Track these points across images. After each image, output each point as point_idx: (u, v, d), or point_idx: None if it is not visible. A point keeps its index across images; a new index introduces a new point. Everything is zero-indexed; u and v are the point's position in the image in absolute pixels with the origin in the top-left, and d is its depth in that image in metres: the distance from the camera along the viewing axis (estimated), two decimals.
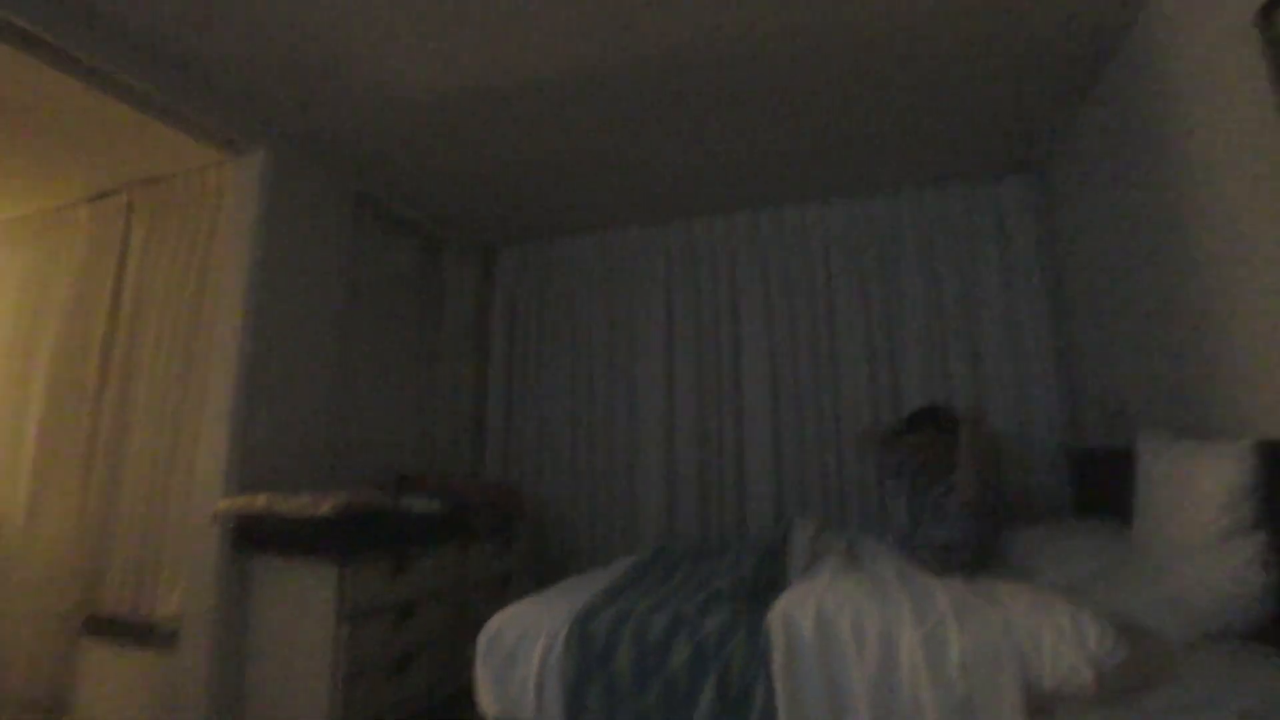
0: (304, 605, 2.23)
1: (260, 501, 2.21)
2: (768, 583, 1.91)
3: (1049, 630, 1.34)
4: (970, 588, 1.62)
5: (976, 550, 2.00)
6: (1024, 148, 2.87)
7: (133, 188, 3.10)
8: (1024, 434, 2.86)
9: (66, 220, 3.31)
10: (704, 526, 3.24)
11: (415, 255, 3.55)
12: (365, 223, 3.15)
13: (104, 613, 2.68)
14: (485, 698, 1.74)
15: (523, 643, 1.74)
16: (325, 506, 2.11)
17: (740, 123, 2.65)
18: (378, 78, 2.30)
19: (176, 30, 2.07)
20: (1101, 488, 2.35)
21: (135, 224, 3.08)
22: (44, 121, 2.56)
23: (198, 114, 2.35)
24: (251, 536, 2.30)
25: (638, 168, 3.03)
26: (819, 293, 3.29)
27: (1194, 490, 1.47)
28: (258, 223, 2.52)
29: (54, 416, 3.04)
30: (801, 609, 1.54)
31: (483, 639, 1.81)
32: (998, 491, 2.26)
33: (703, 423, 3.36)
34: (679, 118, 2.61)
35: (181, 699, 2.30)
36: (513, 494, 3.20)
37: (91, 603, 2.78)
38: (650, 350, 3.50)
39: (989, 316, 3.02)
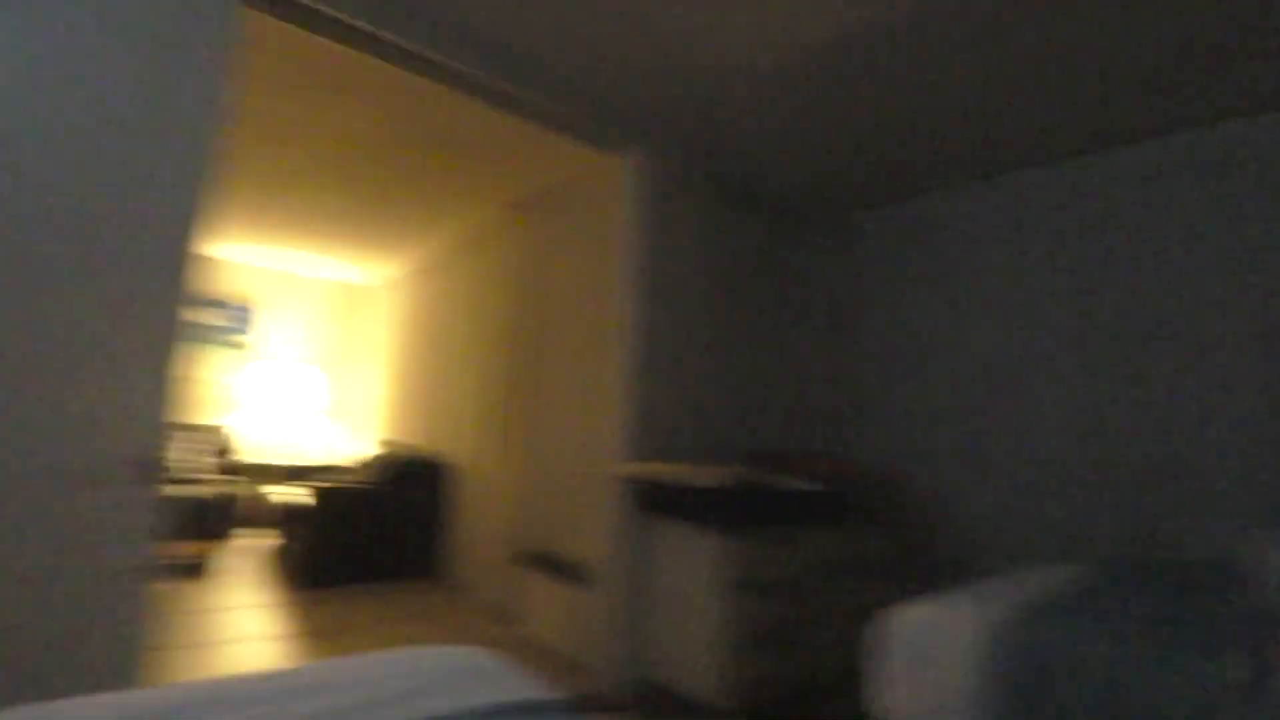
0: (696, 569, 2.41)
1: (658, 469, 2.46)
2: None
3: None
4: None
5: None
6: None
7: (534, 196, 3.71)
8: None
9: (497, 230, 4.13)
10: (1127, 530, 2.65)
11: (772, 231, 3.58)
12: (724, 203, 3.27)
13: (536, 547, 3.32)
14: (884, 693, 1.66)
15: (931, 647, 1.60)
16: (718, 479, 2.25)
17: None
18: (723, 55, 2.30)
19: (556, 52, 2.35)
20: None
21: (541, 225, 3.69)
22: (471, 149, 3.17)
23: (584, 123, 2.66)
24: (651, 499, 2.57)
25: (1028, 91, 2.54)
26: None
27: None
28: (638, 215, 2.78)
29: (499, 389, 3.84)
30: None
31: (881, 631, 1.73)
32: None
33: (1128, 405, 2.73)
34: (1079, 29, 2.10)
35: (598, 632, 2.71)
36: (891, 478, 3.04)
37: (525, 539, 3.46)
38: (1051, 314, 2.94)
39: None
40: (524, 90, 2.44)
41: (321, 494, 3.92)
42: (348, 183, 3.68)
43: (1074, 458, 2.80)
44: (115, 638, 1.58)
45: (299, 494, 4.18)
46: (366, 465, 4.75)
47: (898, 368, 3.50)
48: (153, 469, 1.61)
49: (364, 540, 4.02)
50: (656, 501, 2.54)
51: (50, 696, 1.43)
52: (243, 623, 3.19)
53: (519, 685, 1.06)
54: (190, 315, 1.70)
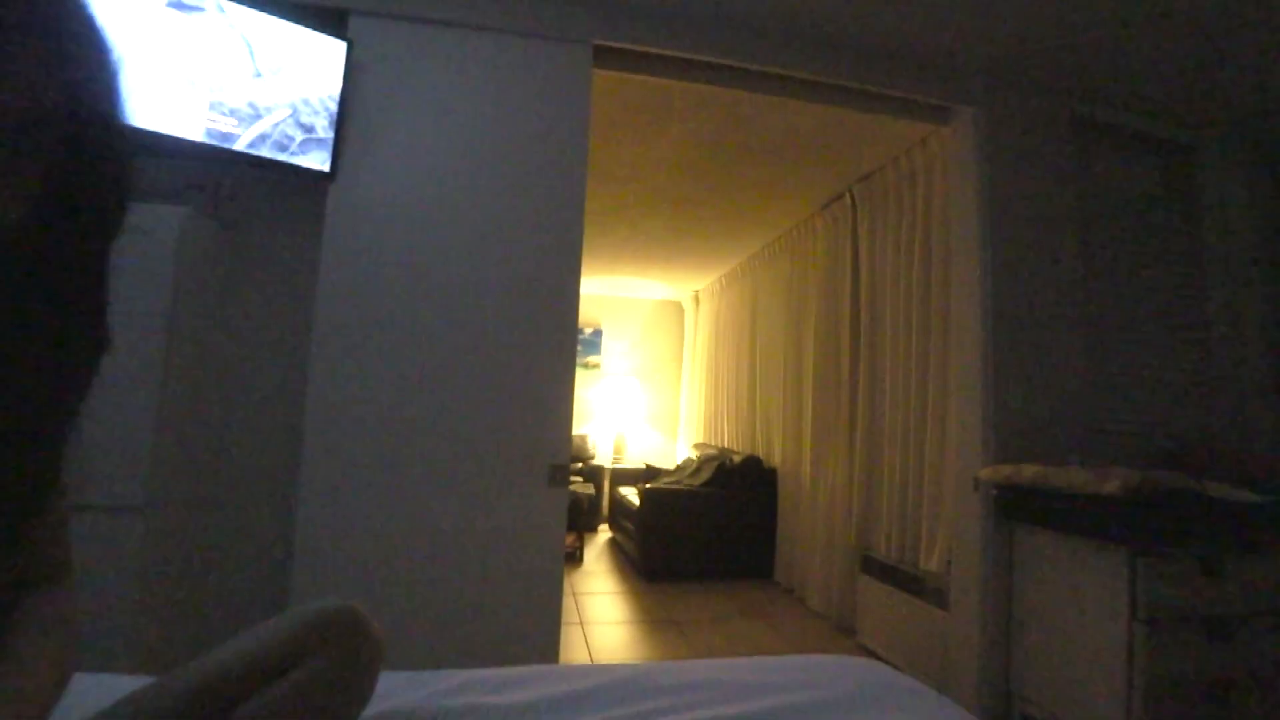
0: (1082, 591, 1.98)
1: (1028, 472, 2.08)
2: None
3: None
4: None
5: None
6: None
7: (854, 187, 3.52)
8: None
9: (810, 229, 4.05)
10: None
11: (1160, 173, 2.82)
12: (1091, 150, 2.67)
13: (877, 556, 3.10)
14: None
15: None
16: (1112, 483, 1.81)
17: None
18: None
19: (862, 21, 2.16)
20: None
21: (860, 218, 3.49)
22: (789, 150, 3.14)
23: (906, 93, 2.43)
24: (1017, 507, 2.20)
25: None
26: None
27: None
28: (976, 183, 2.43)
29: (822, 389, 3.74)
30: None
31: None
32: None
33: None
34: None
35: (954, 654, 2.40)
36: None
37: (866, 546, 3.27)
38: None
39: None
40: (841, 75, 2.36)
41: (649, 494, 4.26)
42: (666, 205, 3.98)
43: None
44: (544, 614, 1.93)
45: (634, 494, 4.62)
46: (689, 468, 5.04)
47: None
48: (564, 472, 1.94)
49: (694, 539, 4.25)
50: (1029, 510, 2.16)
51: (496, 655, 1.85)
52: (604, 607, 3.61)
53: (938, 710, 0.95)
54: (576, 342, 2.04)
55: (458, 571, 1.85)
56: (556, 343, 1.99)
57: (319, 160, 1.81)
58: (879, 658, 2.91)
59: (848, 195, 3.58)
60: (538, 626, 1.91)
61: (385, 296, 1.88)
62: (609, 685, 1.00)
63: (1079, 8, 2.07)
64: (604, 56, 2.16)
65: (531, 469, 1.92)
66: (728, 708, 0.93)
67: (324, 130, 1.81)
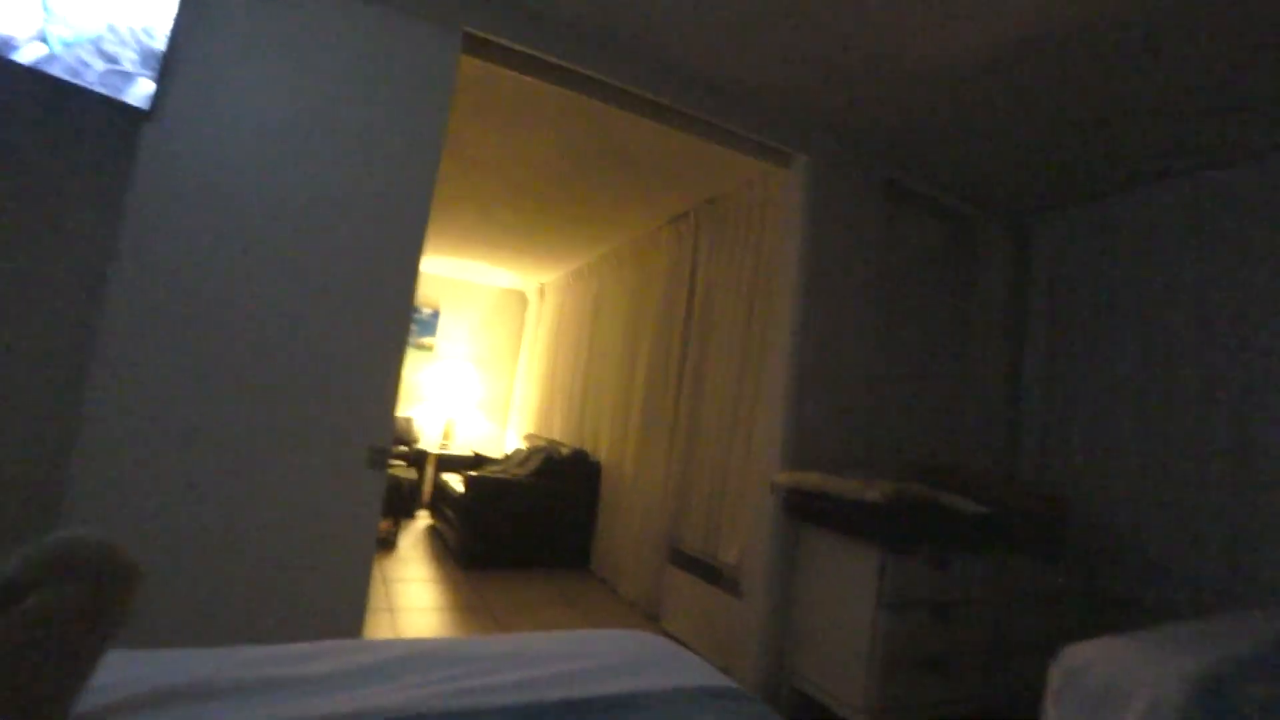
0: (846, 581, 2.36)
1: (812, 479, 2.42)
2: None
3: None
4: None
5: None
6: None
7: (699, 208, 3.79)
8: None
9: (656, 240, 4.28)
10: None
11: (945, 236, 3.39)
12: (895, 209, 3.15)
13: (684, 549, 3.38)
14: None
15: (1115, 692, 1.46)
16: (874, 492, 2.17)
17: None
18: (902, 51, 2.22)
19: (721, 62, 2.40)
20: None
21: (701, 237, 3.77)
22: (645, 165, 3.33)
23: (752, 134, 2.70)
24: (803, 509, 2.54)
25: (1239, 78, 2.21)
26: None
27: None
28: (804, 223, 2.77)
29: (650, 391, 3.97)
30: None
31: (1060, 671, 1.60)
32: None
33: None
34: None
35: (741, 636, 2.71)
36: (1059, 502, 2.75)
37: (676, 539, 3.54)
38: (1277, 326, 2.51)
39: None
40: (701, 109, 2.56)
41: (474, 482, 4.27)
42: (521, 198, 4.00)
43: None
44: (351, 598, 1.88)
45: (459, 481, 4.59)
46: (517, 458, 5.09)
47: (1073, 383, 3.17)
48: (384, 455, 1.90)
49: (517, 528, 4.31)
50: (812, 511, 2.50)
51: (299, 638, 1.76)
52: (417, 593, 3.56)
53: (704, 673, 1.11)
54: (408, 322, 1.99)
55: (259, 555, 1.76)
56: (388, 324, 1.95)
57: (131, 96, 1.62)
58: (679, 641, 3.18)
59: (692, 215, 3.85)
60: (344, 611, 1.87)
61: (199, 258, 1.71)
62: (407, 657, 1.05)
63: (908, 85, 2.45)
64: (474, 45, 2.17)
65: (351, 450, 1.87)
66: (515, 674, 1.03)
67: (132, 65, 1.62)
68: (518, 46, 2.20)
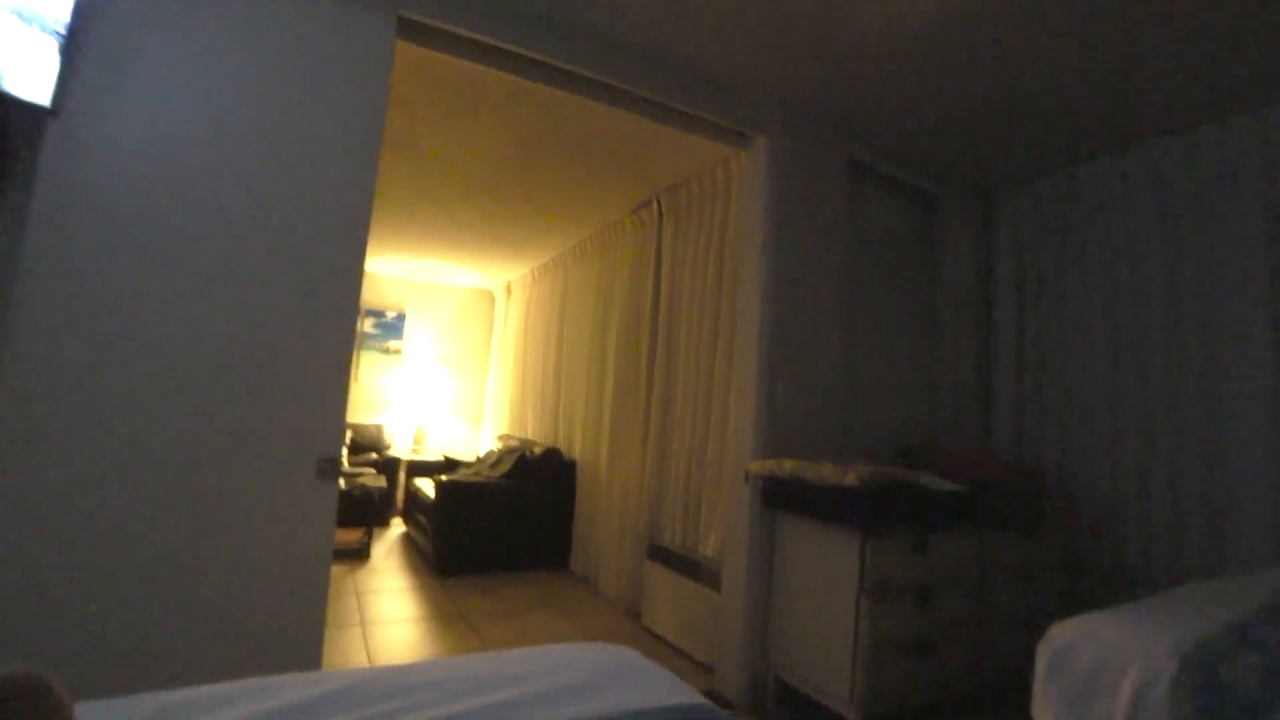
0: (826, 568, 2.30)
1: (788, 466, 2.36)
2: None
3: None
4: None
5: None
6: None
7: (661, 195, 3.71)
8: None
9: (620, 230, 4.19)
10: None
11: (910, 215, 3.35)
12: (859, 189, 3.09)
13: (663, 544, 3.31)
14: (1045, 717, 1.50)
15: (1105, 670, 1.42)
16: (850, 476, 2.12)
17: None
18: (861, 25, 2.15)
19: (668, 39, 2.31)
20: None
21: (665, 224, 3.69)
22: (603, 153, 3.23)
23: (713, 118, 2.61)
24: (779, 497, 2.48)
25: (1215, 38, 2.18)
26: None
27: None
28: (767, 205, 2.70)
29: (622, 385, 3.89)
30: None
31: (1047, 650, 1.56)
32: None
33: None
34: None
35: (723, 631, 2.65)
36: (1036, 477, 2.74)
37: (654, 535, 3.47)
38: (1244, 290, 2.50)
39: None
40: (654, 91, 2.46)
41: (444, 487, 4.16)
42: (479, 193, 3.88)
43: (1268, 455, 2.35)
44: (308, 618, 1.78)
45: (430, 487, 4.47)
46: (490, 459, 4.99)
47: (1045, 356, 3.15)
48: (334, 465, 1.80)
49: (492, 531, 4.21)
50: (788, 499, 2.44)
51: (252, 666, 1.65)
52: (390, 605, 3.44)
53: (669, 689, 1.03)
54: (357, 326, 1.88)
55: (199, 579, 1.64)
56: (332, 326, 1.84)
57: (29, 91, 1.48)
58: (661, 639, 3.12)
59: (655, 202, 3.77)
60: (301, 633, 1.76)
61: (118, 264, 1.59)
62: (331, 694, 0.95)
63: (859, 61, 2.38)
64: (410, 30, 2.05)
65: (297, 463, 1.76)
66: (461, 704, 0.94)
67: (28, 55, 1.49)
68: (457, 29, 2.09)
